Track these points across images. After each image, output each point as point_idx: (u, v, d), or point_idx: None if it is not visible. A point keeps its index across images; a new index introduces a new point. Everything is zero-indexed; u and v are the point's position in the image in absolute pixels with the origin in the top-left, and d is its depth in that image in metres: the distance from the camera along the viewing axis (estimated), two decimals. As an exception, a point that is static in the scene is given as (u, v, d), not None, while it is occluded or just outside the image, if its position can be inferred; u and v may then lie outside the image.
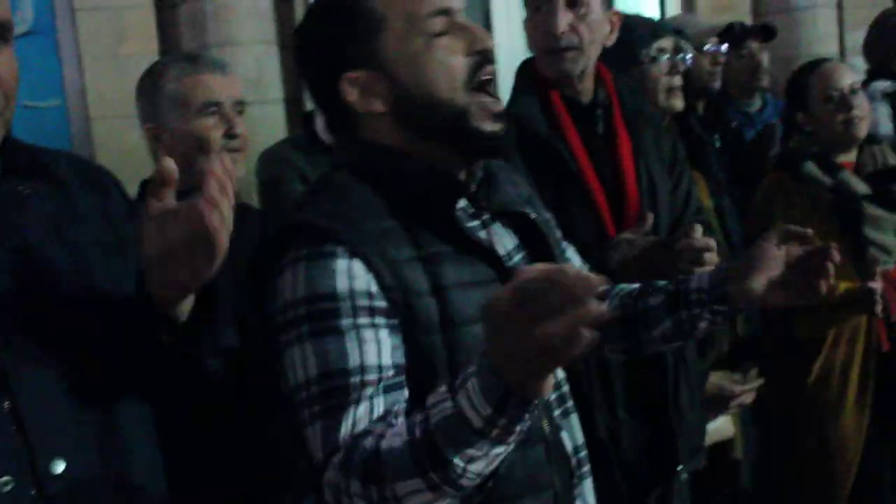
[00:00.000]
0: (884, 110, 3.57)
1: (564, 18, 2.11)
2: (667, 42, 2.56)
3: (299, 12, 4.13)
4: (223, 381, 1.41)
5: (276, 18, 4.10)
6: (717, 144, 3.15)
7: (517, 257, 1.45)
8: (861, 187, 2.73)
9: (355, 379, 1.23)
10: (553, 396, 1.43)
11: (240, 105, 2.11)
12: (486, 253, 1.38)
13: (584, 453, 1.47)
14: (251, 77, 3.85)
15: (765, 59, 3.69)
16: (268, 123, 4.02)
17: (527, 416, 1.06)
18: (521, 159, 2.06)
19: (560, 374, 1.46)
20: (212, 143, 2.05)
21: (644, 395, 2.09)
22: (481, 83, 1.38)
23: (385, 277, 1.27)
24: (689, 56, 2.69)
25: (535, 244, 1.48)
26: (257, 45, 4.06)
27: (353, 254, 1.27)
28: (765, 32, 3.71)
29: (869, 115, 2.80)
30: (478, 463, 1.10)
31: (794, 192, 2.75)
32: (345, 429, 1.21)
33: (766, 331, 2.81)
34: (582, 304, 0.94)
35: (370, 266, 1.27)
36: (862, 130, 2.76)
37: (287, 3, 4.17)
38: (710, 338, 2.46)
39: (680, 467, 2.19)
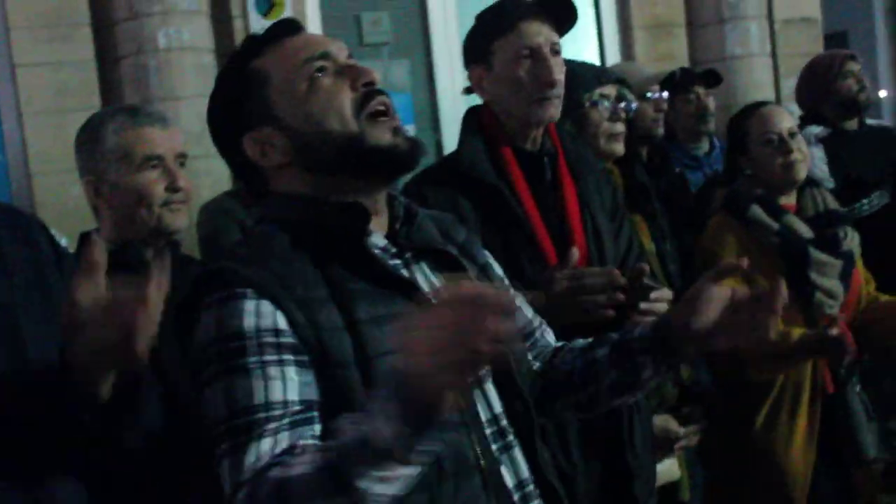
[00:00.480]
0: (817, 154, 3.66)
1: (557, 66, 2.14)
2: (610, 89, 2.59)
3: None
4: (143, 459, 1.39)
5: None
6: (661, 190, 3.19)
7: None
8: (804, 231, 2.76)
9: (260, 415, 1.25)
10: (489, 431, 1.43)
11: (182, 157, 2.09)
12: (405, 286, 1.40)
13: (530, 488, 1.46)
14: (195, 131, 3.82)
15: (711, 103, 3.79)
16: (213, 177, 4.00)
17: (430, 435, 1.12)
18: (469, 206, 2.07)
19: (497, 408, 1.46)
20: (154, 197, 2.03)
21: (598, 438, 2.08)
22: (374, 113, 1.42)
23: (295, 315, 1.30)
24: (633, 104, 2.72)
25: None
26: (201, 98, 4.03)
27: (261, 294, 1.30)
28: (709, 77, 3.82)
29: (808, 157, 2.84)
30: (384, 485, 1.14)
31: (741, 235, 2.77)
32: (248, 463, 1.22)
33: (714, 374, 2.82)
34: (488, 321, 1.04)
35: (279, 305, 1.30)
36: (801, 173, 2.80)
37: (230, 56, 4.18)
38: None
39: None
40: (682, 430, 2.52)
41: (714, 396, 2.68)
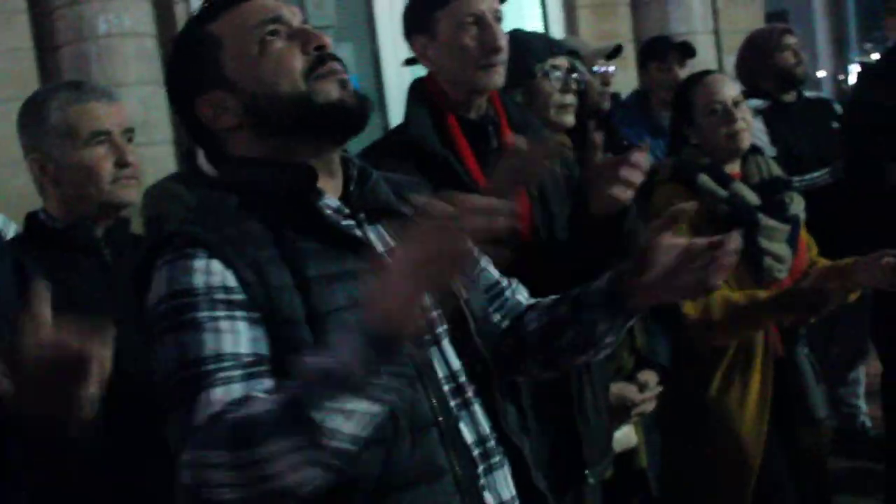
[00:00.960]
0: (758, 125, 3.74)
1: (501, 32, 2.14)
2: (562, 60, 2.59)
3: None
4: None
5: (162, 59, 4.05)
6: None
7: None
8: (752, 198, 2.80)
9: (210, 367, 1.26)
10: (447, 387, 1.43)
11: (129, 132, 2.06)
12: (356, 245, 1.41)
13: (491, 444, 1.46)
14: (138, 118, 3.77)
15: (683, 74, 3.88)
16: (156, 164, 3.96)
17: (394, 362, 1.15)
18: (418, 175, 2.07)
19: (455, 365, 1.46)
20: (103, 173, 2.00)
21: (550, 402, 2.09)
22: (324, 75, 1.43)
23: (245, 274, 1.32)
24: (585, 76, 2.73)
25: None
26: (143, 86, 4.00)
27: (211, 254, 1.32)
28: (682, 49, 4.04)
29: (751, 126, 2.87)
30: (342, 419, 1.14)
31: (690, 202, 2.79)
32: (201, 411, 1.22)
33: (669, 342, 2.86)
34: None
35: (229, 264, 1.31)
36: (745, 142, 2.83)
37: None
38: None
39: (587, 472, 2.20)
40: (638, 397, 2.52)
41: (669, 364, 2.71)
